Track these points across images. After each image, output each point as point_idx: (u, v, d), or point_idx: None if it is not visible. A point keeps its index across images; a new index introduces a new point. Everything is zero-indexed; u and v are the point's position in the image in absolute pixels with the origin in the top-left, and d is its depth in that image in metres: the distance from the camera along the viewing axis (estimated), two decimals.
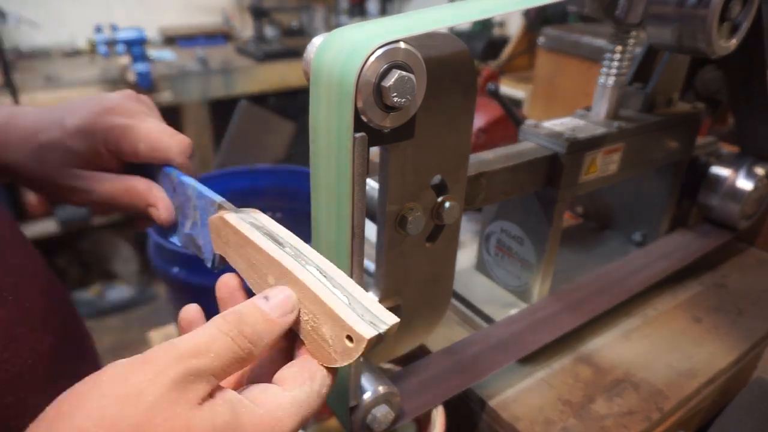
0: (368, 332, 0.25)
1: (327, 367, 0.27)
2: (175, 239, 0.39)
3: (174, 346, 0.24)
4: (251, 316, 0.26)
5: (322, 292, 0.26)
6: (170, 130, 0.39)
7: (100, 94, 0.40)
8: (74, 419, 0.21)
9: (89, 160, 0.39)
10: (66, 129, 0.38)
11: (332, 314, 0.26)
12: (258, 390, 0.26)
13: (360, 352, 0.25)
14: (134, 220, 0.44)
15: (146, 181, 0.39)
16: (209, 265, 0.35)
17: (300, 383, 0.26)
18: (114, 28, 1.90)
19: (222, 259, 0.33)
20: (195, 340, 0.24)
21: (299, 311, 0.27)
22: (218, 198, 0.33)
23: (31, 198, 1.95)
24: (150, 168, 0.40)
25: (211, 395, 0.24)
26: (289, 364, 0.27)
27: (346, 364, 0.26)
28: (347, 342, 0.25)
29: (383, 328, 0.25)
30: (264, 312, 0.26)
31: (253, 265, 0.29)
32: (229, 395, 0.24)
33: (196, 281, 0.58)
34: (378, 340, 0.25)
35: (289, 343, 0.29)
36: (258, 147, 2.18)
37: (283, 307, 0.27)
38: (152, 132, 0.38)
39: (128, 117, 0.39)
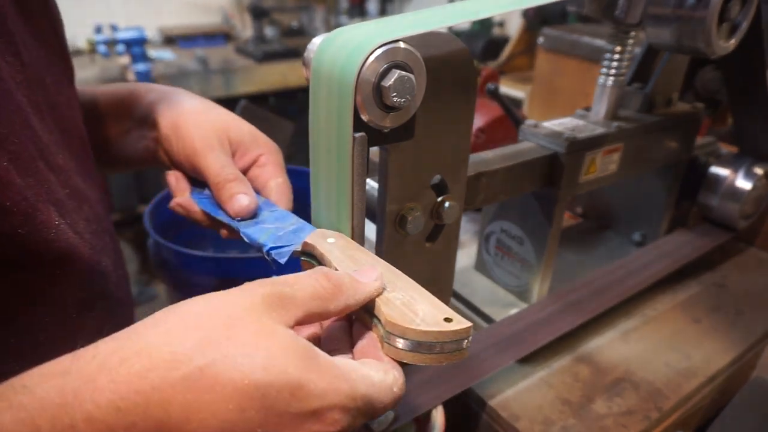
0: (467, 321, 0.27)
1: (400, 370, 0.28)
2: (238, 221, 0.42)
3: (264, 279, 0.27)
4: (337, 273, 0.29)
5: (423, 288, 0.30)
6: (291, 193, 0.46)
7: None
8: (166, 315, 0.24)
9: (238, 145, 0.46)
10: (243, 127, 0.47)
11: (437, 302, 0.29)
12: (336, 357, 0.28)
13: (455, 327, 0.27)
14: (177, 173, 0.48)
15: (247, 183, 0.44)
16: (273, 250, 0.37)
17: (375, 369, 0.27)
18: (114, 28, 1.90)
19: (302, 248, 0.36)
20: (286, 276, 0.28)
21: (387, 287, 0.30)
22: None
23: None
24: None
25: (294, 329, 0.26)
26: (368, 358, 0.29)
27: (428, 329, 0.27)
28: (443, 320, 0.27)
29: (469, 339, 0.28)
30: (349, 273, 0.30)
31: (356, 260, 0.33)
32: (309, 342, 0.26)
33: (196, 281, 0.58)
34: (467, 336, 0.27)
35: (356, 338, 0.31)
36: None
37: (368, 274, 0.30)
38: (285, 184, 0.46)
39: (281, 162, 0.48)
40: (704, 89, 0.85)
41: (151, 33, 2.40)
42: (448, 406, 0.48)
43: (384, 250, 0.43)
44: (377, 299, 0.29)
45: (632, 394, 0.53)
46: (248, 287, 0.26)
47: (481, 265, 0.69)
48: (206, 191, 0.45)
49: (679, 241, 0.74)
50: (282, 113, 2.27)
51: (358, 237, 0.36)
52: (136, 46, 1.88)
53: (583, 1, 0.53)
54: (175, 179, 0.46)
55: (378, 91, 0.32)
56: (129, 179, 2.03)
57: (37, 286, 0.27)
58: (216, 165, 0.43)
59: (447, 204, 0.43)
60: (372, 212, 0.43)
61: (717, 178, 0.72)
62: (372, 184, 0.43)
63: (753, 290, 0.70)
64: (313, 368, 0.24)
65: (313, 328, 0.33)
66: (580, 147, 0.55)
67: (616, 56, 0.58)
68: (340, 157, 0.34)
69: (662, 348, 0.60)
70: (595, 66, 0.93)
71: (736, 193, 0.71)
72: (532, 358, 0.56)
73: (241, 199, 0.41)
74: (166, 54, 2.26)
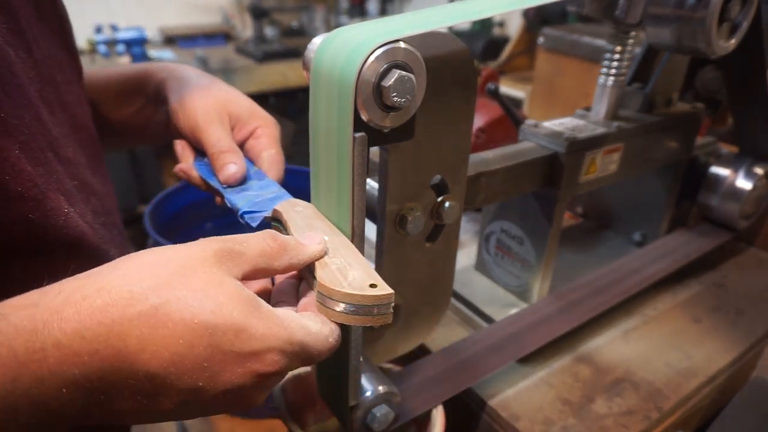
0: (390, 289, 0.30)
1: (336, 325, 0.31)
2: (224, 188, 0.45)
3: (217, 236, 0.30)
4: (284, 236, 0.32)
5: (365, 260, 0.33)
6: (284, 164, 0.49)
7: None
8: (124, 262, 0.27)
9: (237, 120, 0.50)
10: (243, 101, 0.52)
11: (370, 270, 0.31)
12: (278, 307, 0.31)
13: (377, 293, 0.29)
14: (183, 142, 0.51)
15: (241, 154, 0.48)
16: (247, 215, 0.40)
17: (313, 320, 0.30)
18: (114, 28, 1.91)
19: (273, 215, 0.39)
20: (235, 235, 0.30)
21: (329, 252, 0.33)
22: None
23: None
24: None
25: (244, 282, 0.29)
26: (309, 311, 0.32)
27: (352, 291, 0.30)
28: (368, 286, 0.30)
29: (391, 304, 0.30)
30: (295, 237, 0.33)
31: (313, 228, 0.36)
32: (254, 294, 0.29)
33: None
34: (389, 301, 0.30)
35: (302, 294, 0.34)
36: None
37: (313, 240, 0.33)
38: (278, 155, 0.49)
39: (277, 135, 0.51)
40: (704, 89, 0.85)
41: (151, 33, 2.40)
42: (448, 406, 0.48)
43: (384, 250, 0.43)
44: (317, 262, 0.32)
45: (632, 394, 0.53)
46: (202, 242, 0.29)
47: (481, 265, 0.69)
48: (206, 159, 0.49)
49: (679, 241, 0.74)
50: (282, 113, 2.27)
51: (358, 237, 0.36)
52: (136, 46, 1.88)
53: (583, 1, 0.53)
54: (181, 148, 0.51)
55: (378, 91, 0.32)
56: (129, 179, 2.03)
57: (48, 273, 0.28)
58: (214, 137, 0.47)
59: (447, 204, 0.43)
60: (372, 212, 0.43)
61: (717, 178, 0.72)
62: (372, 184, 0.43)
63: (753, 290, 0.70)
64: (255, 315, 0.27)
65: (264, 283, 0.36)
66: (580, 147, 0.55)
67: (616, 56, 0.58)
68: (340, 157, 0.34)
69: (662, 348, 0.60)
70: (595, 66, 0.93)
71: (736, 193, 0.71)
72: (532, 358, 0.56)
73: (230, 168, 0.45)
74: (166, 54, 2.26)
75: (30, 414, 0.24)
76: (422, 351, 0.58)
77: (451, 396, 0.48)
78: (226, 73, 2.13)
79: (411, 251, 0.44)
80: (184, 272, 0.26)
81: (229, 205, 0.43)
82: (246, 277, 0.29)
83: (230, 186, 0.45)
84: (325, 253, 0.32)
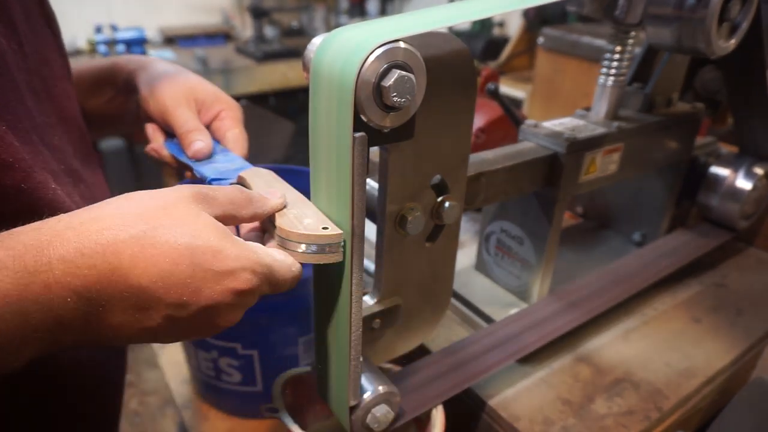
0: (340, 230, 0.35)
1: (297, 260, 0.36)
2: (193, 162, 0.50)
3: (192, 184, 0.34)
4: (250, 191, 0.37)
5: (318, 210, 0.38)
6: (247, 142, 0.54)
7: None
8: (115, 199, 0.31)
9: (202, 104, 0.54)
10: (208, 87, 0.56)
11: (322, 217, 0.37)
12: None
13: (327, 233, 0.35)
14: (153, 124, 0.56)
15: (207, 134, 0.53)
16: (213, 181, 0.45)
17: (278, 251, 0.35)
18: (114, 28, 1.91)
19: (238, 180, 0.44)
20: (207, 185, 0.35)
21: (288, 205, 0.38)
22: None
23: None
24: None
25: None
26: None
27: (305, 232, 0.35)
28: (320, 228, 0.35)
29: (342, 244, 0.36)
30: (260, 191, 0.38)
31: (273, 187, 0.40)
32: (226, 227, 0.33)
33: None
34: (339, 241, 0.35)
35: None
36: (258, 147, 2.17)
37: (274, 194, 0.38)
38: (241, 134, 0.54)
39: (240, 116, 0.56)
40: (704, 89, 0.85)
41: (151, 33, 2.40)
42: (448, 406, 0.48)
43: (384, 250, 0.43)
44: (277, 213, 0.37)
45: (632, 394, 0.53)
46: (179, 186, 0.33)
47: (481, 265, 0.69)
48: (175, 140, 0.53)
49: (679, 241, 0.74)
50: (282, 113, 2.27)
51: (358, 237, 0.36)
52: (136, 46, 1.88)
53: (583, 1, 0.53)
54: (151, 130, 0.55)
55: (378, 91, 0.32)
56: (129, 179, 2.03)
57: None
58: (181, 118, 0.52)
59: (447, 204, 0.43)
60: (372, 212, 0.43)
61: (717, 178, 0.72)
62: (372, 184, 0.43)
63: (753, 290, 0.70)
64: (229, 240, 0.32)
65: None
66: (580, 147, 0.55)
67: (616, 56, 0.58)
68: (340, 157, 0.34)
69: (662, 348, 0.60)
70: (595, 66, 0.93)
71: (736, 193, 0.71)
72: (532, 358, 0.56)
73: (197, 143, 0.50)
74: (166, 54, 2.26)
75: (40, 319, 0.28)
76: (422, 351, 0.58)
77: (451, 396, 0.48)
78: (226, 73, 2.13)
79: (411, 251, 0.44)
80: (166, 206, 0.31)
81: (198, 175, 0.48)
82: (218, 219, 0.33)
83: (198, 160, 0.50)
84: (285, 206, 0.37)
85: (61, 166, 0.44)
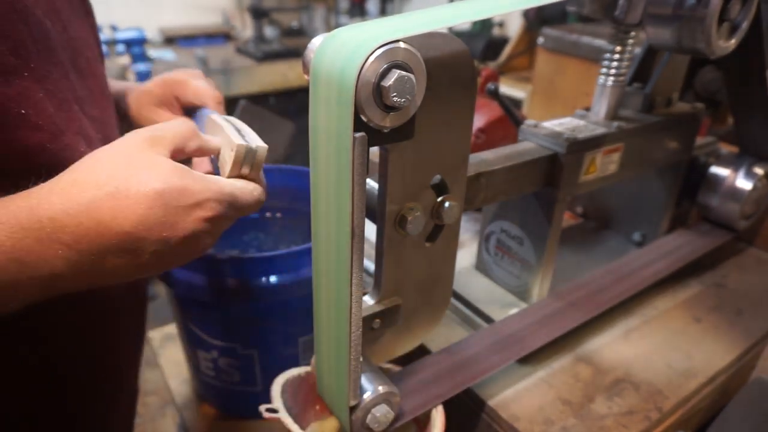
0: (238, 144, 0.40)
1: (257, 183, 0.41)
2: None
3: (142, 128, 0.39)
4: (196, 126, 0.42)
5: (233, 136, 0.41)
6: (210, 88, 0.57)
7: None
8: (86, 159, 0.35)
9: (164, 102, 0.58)
10: (155, 81, 0.59)
11: (230, 142, 0.41)
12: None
13: (233, 156, 0.40)
14: None
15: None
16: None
17: (240, 180, 0.40)
18: (114, 28, 1.90)
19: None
20: (157, 124, 0.40)
21: (221, 149, 0.43)
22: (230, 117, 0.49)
23: None
24: (194, 113, 0.58)
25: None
26: None
27: (228, 169, 0.40)
28: (230, 152, 0.40)
29: (252, 144, 0.40)
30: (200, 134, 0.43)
31: (215, 132, 0.45)
32: (185, 165, 0.37)
33: (195, 281, 0.58)
34: (247, 152, 0.40)
35: None
36: None
37: (211, 138, 0.43)
38: (200, 87, 0.57)
39: (188, 78, 0.58)
40: (704, 89, 0.85)
41: (151, 33, 2.40)
42: (448, 406, 0.48)
43: (384, 250, 0.43)
44: (217, 156, 0.43)
45: (632, 394, 0.53)
46: (130, 135, 0.37)
47: (481, 265, 0.69)
48: None
49: (679, 241, 0.74)
50: (282, 113, 2.27)
51: (358, 237, 0.36)
52: (136, 46, 1.88)
53: (583, 1, 0.53)
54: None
55: (378, 91, 0.32)
56: None
57: None
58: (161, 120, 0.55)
59: (447, 204, 0.43)
60: (372, 212, 0.43)
61: (717, 178, 0.72)
62: (372, 184, 0.43)
63: (753, 290, 0.70)
64: (190, 177, 0.36)
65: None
66: (580, 147, 0.55)
67: (616, 56, 0.58)
68: (340, 157, 0.34)
69: (662, 348, 0.60)
70: (595, 66, 0.93)
71: (736, 193, 0.71)
72: (532, 358, 0.56)
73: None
74: (167, 54, 2.26)
75: (34, 267, 0.32)
76: (422, 351, 0.58)
77: (451, 396, 0.48)
78: (226, 73, 2.13)
79: (411, 251, 0.44)
80: (128, 160, 0.35)
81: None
82: (171, 155, 0.38)
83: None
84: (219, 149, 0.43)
85: (98, 135, 0.48)
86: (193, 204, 0.35)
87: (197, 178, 0.36)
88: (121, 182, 0.33)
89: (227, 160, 0.41)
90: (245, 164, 0.40)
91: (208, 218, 0.36)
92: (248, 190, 0.39)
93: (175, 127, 0.39)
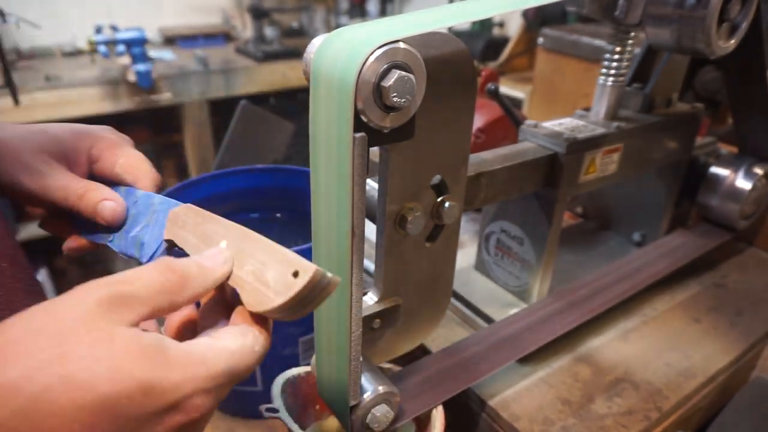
0: (313, 266, 0.27)
1: (260, 327, 0.29)
2: (111, 241, 0.40)
3: (100, 279, 0.25)
4: (182, 262, 0.28)
5: (273, 243, 0.29)
6: (148, 162, 0.42)
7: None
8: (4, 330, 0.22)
9: (67, 157, 0.40)
10: (61, 126, 0.41)
11: (284, 257, 0.28)
12: (189, 340, 0.27)
13: (304, 282, 0.26)
14: (46, 221, 0.43)
15: (105, 187, 0.41)
16: (146, 259, 0.37)
17: (232, 335, 0.27)
18: (114, 28, 1.90)
19: (168, 246, 0.36)
20: (124, 272, 0.26)
21: (235, 265, 0.30)
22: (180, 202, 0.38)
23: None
24: (112, 186, 0.42)
25: (138, 326, 0.25)
26: (223, 326, 0.29)
27: (282, 300, 0.27)
28: (292, 278, 0.27)
29: (327, 273, 0.27)
30: (196, 259, 0.29)
31: (207, 237, 0.33)
32: (158, 334, 0.25)
33: None
34: (321, 278, 0.27)
35: (229, 311, 0.30)
36: (258, 147, 2.17)
37: (215, 258, 0.29)
38: (134, 157, 0.42)
39: (120, 141, 0.43)
40: (704, 89, 0.85)
41: (151, 33, 2.40)
42: (448, 406, 0.48)
43: (384, 250, 0.43)
44: (230, 282, 0.30)
45: (632, 394, 0.53)
46: (78, 294, 0.24)
47: (481, 265, 0.69)
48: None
49: (679, 241, 0.74)
50: (282, 113, 2.27)
51: (358, 237, 0.36)
52: (137, 46, 1.87)
53: (583, 1, 0.53)
54: (52, 226, 0.42)
55: (378, 91, 0.32)
56: None
57: None
58: (60, 183, 0.39)
59: (447, 204, 0.43)
60: (372, 212, 0.43)
61: (717, 178, 0.72)
62: (372, 184, 0.43)
63: (753, 290, 0.70)
64: (162, 364, 0.24)
65: (187, 311, 0.33)
66: (579, 147, 0.55)
67: (616, 56, 0.58)
68: (340, 157, 0.34)
69: (662, 348, 0.60)
70: (595, 66, 0.93)
71: (736, 193, 0.71)
72: (532, 358, 0.56)
73: (106, 204, 0.38)
74: (167, 54, 2.26)
75: None
76: (422, 351, 0.58)
77: (451, 396, 0.48)
78: (226, 73, 2.13)
79: (411, 251, 0.44)
80: (61, 341, 0.22)
81: (125, 256, 0.38)
82: (146, 319, 0.26)
83: (116, 228, 0.39)
84: (232, 270, 0.30)
85: None
86: (165, 407, 0.23)
87: (174, 361, 0.24)
88: (41, 388, 0.21)
89: (269, 284, 0.28)
90: (306, 301, 0.27)
91: (187, 423, 0.24)
92: (248, 348, 0.27)
93: (156, 278, 0.26)
